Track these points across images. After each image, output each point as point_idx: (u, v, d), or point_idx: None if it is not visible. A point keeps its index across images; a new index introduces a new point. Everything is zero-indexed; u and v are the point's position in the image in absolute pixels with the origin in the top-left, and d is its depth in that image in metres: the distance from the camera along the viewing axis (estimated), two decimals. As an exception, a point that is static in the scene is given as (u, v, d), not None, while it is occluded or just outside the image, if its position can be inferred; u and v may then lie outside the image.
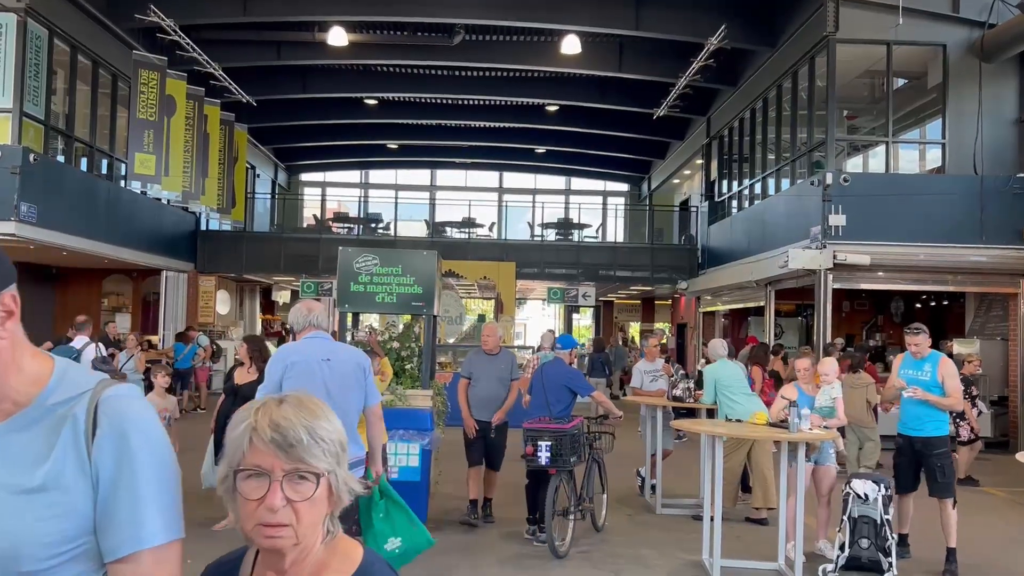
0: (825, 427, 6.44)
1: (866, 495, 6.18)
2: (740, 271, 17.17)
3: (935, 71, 14.68)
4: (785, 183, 16.26)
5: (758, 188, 17.85)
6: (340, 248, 8.10)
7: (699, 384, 8.65)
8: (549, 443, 6.66)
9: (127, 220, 16.99)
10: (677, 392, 8.28)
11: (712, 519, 6.34)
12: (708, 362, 9.78)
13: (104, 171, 16.75)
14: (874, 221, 13.37)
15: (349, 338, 7.87)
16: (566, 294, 21.56)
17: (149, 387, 7.79)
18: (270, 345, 9.66)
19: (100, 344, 8.80)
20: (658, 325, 30.24)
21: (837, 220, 13.27)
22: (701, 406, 8.30)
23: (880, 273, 13.98)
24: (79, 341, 8.77)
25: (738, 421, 6.90)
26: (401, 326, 8.59)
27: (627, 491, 9.40)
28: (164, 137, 15.62)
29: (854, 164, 17.03)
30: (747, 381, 8.16)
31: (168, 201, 17.75)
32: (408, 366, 8.11)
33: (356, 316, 8.80)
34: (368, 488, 4.19)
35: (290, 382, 4.51)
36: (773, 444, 7.11)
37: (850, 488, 6.28)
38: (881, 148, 16.73)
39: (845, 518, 6.23)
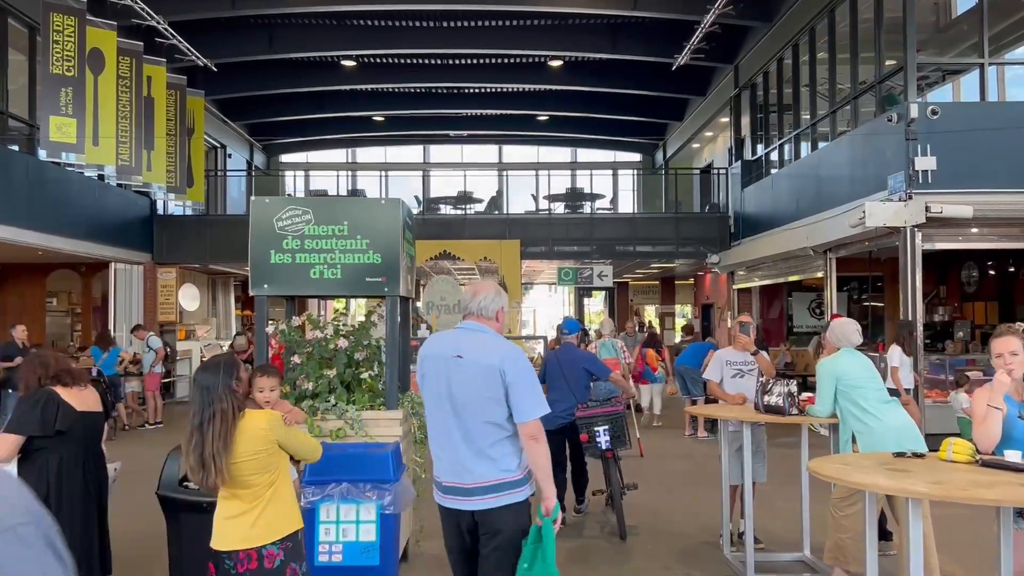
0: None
1: None
2: (789, 238, 14.37)
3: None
4: (844, 130, 13.47)
5: (806, 140, 15.05)
6: (252, 199, 5.35)
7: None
8: (607, 427, 6.73)
9: (57, 202, 14.25)
10: (773, 399, 5.50)
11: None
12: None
13: (38, 149, 14.01)
14: (973, 163, 10.60)
15: (227, 345, 5.10)
16: (579, 274, 18.75)
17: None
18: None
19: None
20: (679, 306, 27.47)
21: (926, 163, 10.49)
22: (808, 419, 5.51)
23: (974, 229, 11.19)
24: None
25: (914, 455, 4.09)
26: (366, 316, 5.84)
27: (701, 533, 6.66)
28: (89, 98, 12.84)
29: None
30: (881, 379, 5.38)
31: (103, 176, 14.94)
32: (366, 375, 5.37)
33: (292, 301, 6.04)
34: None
35: (423, 381, 3.64)
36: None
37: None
38: (953, 83, 14.03)
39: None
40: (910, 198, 10.52)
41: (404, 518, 5.08)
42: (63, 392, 4.15)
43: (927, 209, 10.25)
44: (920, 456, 3.99)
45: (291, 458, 3.64)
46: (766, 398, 5.58)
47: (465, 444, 3.46)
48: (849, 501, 5.26)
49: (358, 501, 4.38)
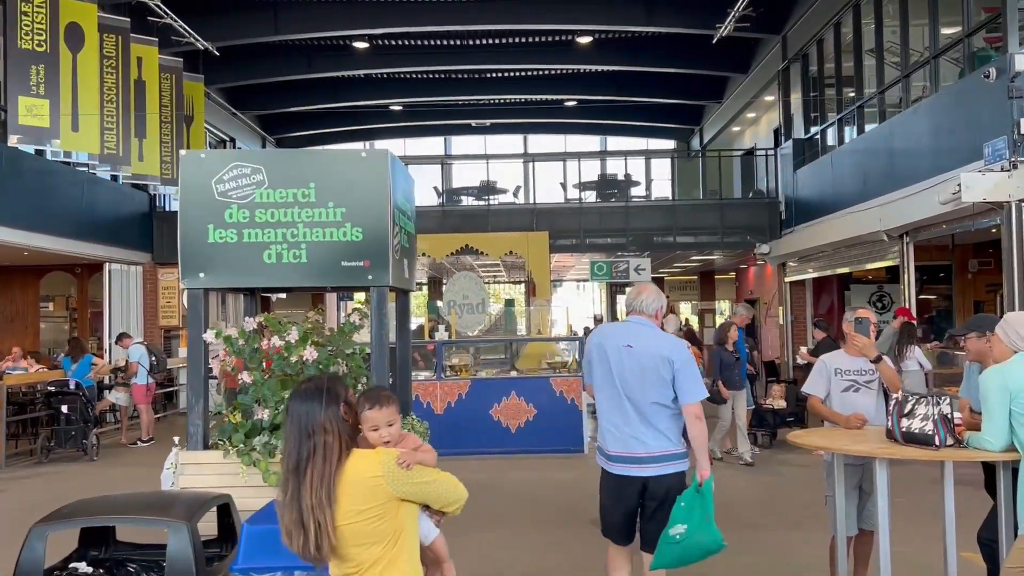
0: None
1: None
2: (855, 222, 12.68)
3: None
4: (920, 96, 11.79)
5: (871, 112, 13.35)
6: (183, 153, 3.87)
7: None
8: None
9: (40, 197, 12.89)
10: (916, 424, 3.91)
11: None
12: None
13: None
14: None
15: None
16: (614, 268, 17.14)
17: None
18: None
19: None
20: (719, 302, 25.75)
21: (1033, 126, 8.79)
22: (971, 455, 3.89)
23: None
24: None
25: None
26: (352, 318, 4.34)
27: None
28: (66, 78, 11.50)
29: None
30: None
31: (91, 168, 13.61)
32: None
33: (253, 297, 4.55)
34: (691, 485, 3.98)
35: (590, 366, 4.31)
36: None
37: None
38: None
39: None
40: (1015, 167, 8.84)
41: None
42: None
43: (1039, 179, 8.57)
44: None
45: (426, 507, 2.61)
46: (905, 422, 3.98)
47: (638, 420, 4.04)
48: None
49: (317, 599, 2.85)
